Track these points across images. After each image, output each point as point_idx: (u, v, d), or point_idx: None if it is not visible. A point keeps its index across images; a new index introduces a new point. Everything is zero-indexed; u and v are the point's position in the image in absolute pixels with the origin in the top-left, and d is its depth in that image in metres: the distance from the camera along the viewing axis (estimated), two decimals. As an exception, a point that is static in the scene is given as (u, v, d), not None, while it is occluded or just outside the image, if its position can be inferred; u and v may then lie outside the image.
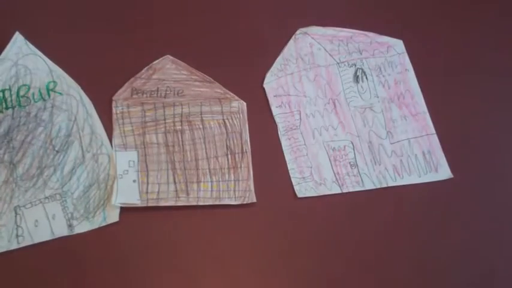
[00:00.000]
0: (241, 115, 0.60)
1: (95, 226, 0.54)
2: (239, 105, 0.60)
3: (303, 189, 0.58)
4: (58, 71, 0.59)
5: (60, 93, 0.58)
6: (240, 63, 0.63)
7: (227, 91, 0.61)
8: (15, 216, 0.53)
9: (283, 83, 0.63)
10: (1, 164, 0.55)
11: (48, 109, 0.57)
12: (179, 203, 0.55)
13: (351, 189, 0.59)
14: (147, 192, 0.55)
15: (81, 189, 0.55)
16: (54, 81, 0.58)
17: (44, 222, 0.53)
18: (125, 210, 0.54)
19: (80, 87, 0.59)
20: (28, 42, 0.60)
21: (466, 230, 0.58)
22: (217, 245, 0.54)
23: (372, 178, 0.59)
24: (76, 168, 0.56)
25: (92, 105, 0.58)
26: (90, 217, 0.54)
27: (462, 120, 0.64)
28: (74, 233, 0.53)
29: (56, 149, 0.56)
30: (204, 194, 0.56)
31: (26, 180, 0.55)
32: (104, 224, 0.54)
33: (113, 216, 0.54)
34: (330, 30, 0.66)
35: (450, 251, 0.56)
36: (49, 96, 0.58)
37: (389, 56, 0.66)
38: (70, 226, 0.53)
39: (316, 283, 0.54)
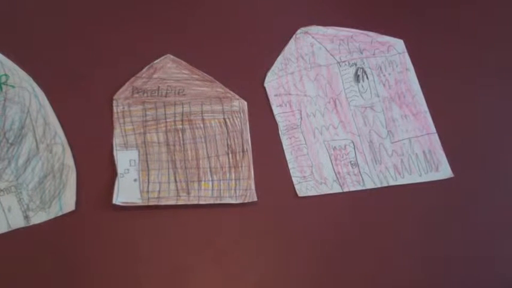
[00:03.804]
0: (242, 114, 0.60)
1: (51, 216, 0.53)
2: (240, 104, 0.60)
3: (304, 188, 0.58)
4: (9, 64, 0.59)
5: (12, 86, 0.58)
6: (241, 63, 0.63)
7: (228, 90, 0.61)
8: None
9: (284, 82, 0.63)
10: None
11: (1, 102, 0.57)
12: (180, 202, 0.55)
13: (352, 189, 0.59)
14: (148, 191, 0.55)
15: (36, 180, 0.55)
16: (6, 75, 0.58)
17: (0, 215, 0.53)
18: (125, 209, 0.54)
19: (32, 79, 0.58)
20: None
21: (467, 229, 0.58)
22: (217, 244, 0.54)
23: (372, 177, 0.59)
24: (30, 159, 0.55)
25: (45, 96, 0.58)
26: (46, 207, 0.54)
27: (463, 119, 0.64)
28: (31, 224, 0.53)
29: (10, 141, 0.55)
30: (205, 193, 0.56)
31: None
32: (60, 213, 0.53)
33: (69, 205, 0.54)
34: (331, 30, 0.66)
35: (451, 250, 0.56)
36: (1, 89, 0.57)
37: (390, 56, 0.66)
38: (26, 217, 0.53)
39: (316, 282, 0.54)
